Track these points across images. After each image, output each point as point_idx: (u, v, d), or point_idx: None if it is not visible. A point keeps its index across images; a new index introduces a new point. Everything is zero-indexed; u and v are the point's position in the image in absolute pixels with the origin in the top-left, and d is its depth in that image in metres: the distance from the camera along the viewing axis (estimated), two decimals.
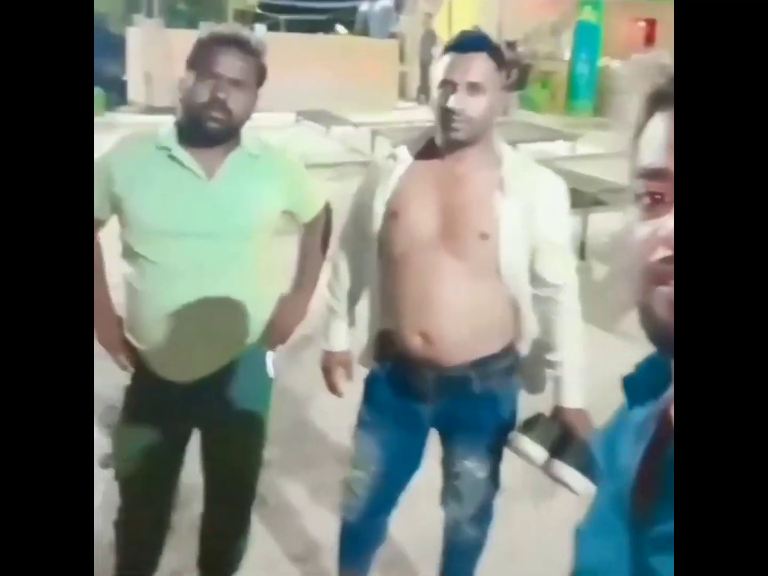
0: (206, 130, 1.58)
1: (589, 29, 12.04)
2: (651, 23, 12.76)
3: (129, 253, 1.67)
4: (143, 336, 1.70)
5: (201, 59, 1.59)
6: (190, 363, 1.69)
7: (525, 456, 1.67)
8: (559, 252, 1.68)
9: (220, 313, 1.67)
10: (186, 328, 1.64)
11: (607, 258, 4.48)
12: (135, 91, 11.04)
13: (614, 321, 3.97)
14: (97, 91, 10.16)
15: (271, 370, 1.83)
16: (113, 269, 1.75)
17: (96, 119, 9.38)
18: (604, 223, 5.67)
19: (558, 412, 1.70)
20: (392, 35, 13.34)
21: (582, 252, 5.03)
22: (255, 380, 1.80)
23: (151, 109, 9.78)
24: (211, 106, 1.56)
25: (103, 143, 1.66)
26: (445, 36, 12.82)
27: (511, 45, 12.08)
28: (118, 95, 10.98)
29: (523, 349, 1.76)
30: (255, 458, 1.87)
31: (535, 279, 1.68)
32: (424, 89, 13.08)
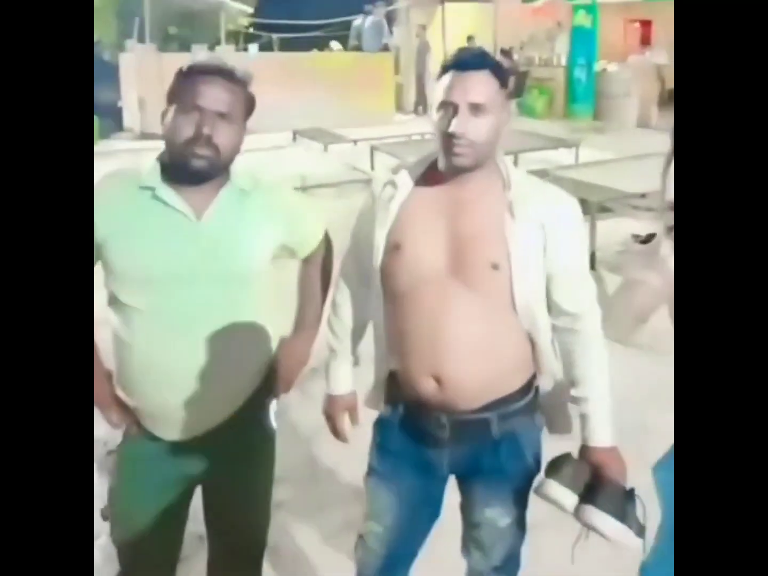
0: (192, 168, 1.47)
1: (584, 33, 11.99)
2: (646, 24, 12.72)
3: (115, 303, 1.55)
4: (134, 392, 1.58)
5: (183, 91, 1.47)
6: (186, 420, 1.57)
7: (553, 502, 1.54)
8: (577, 278, 1.57)
9: (216, 364, 1.55)
10: (180, 382, 1.52)
11: (619, 268, 4.35)
12: (130, 117, 11.01)
13: (628, 333, 3.84)
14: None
15: (273, 421, 1.70)
16: (99, 319, 1.63)
17: None
18: (613, 231, 5.56)
19: (586, 451, 1.57)
20: (385, 48, 13.28)
21: (592, 262, 4.91)
22: (257, 433, 1.68)
23: (146, 136, 9.73)
24: (195, 142, 1.44)
25: (98, 172, 1.58)
26: (439, 47, 12.80)
27: (507, 53, 12.05)
28: (114, 122, 10.95)
29: (545, 385, 1.63)
30: (262, 513, 1.76)
31: (553, 308, 1.56)
32: (420, 101, 13.03)
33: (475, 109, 1.45)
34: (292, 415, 2.97)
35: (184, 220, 1.50)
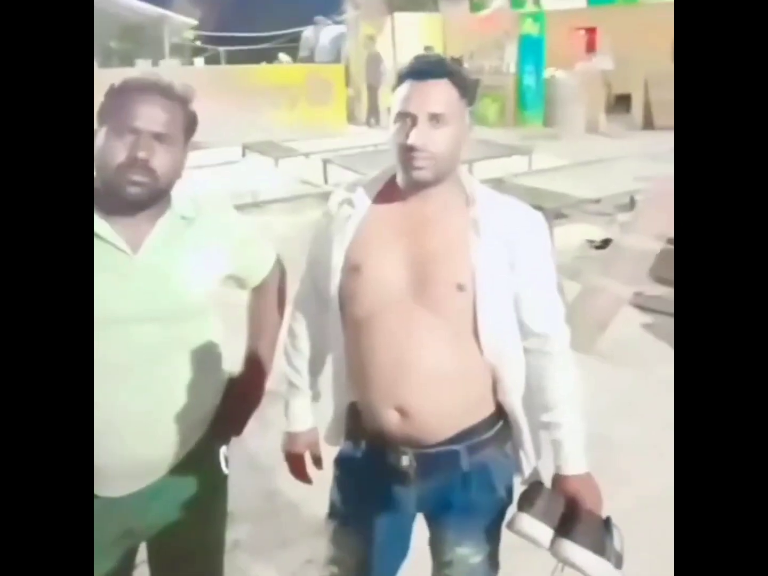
0: (127, 196, 1.33)
1: (532, 41, 12.17)
2: (591, 31, 12.93)
3: None
4: None
5: (115, 111, 1.34)
6: (127, 474, 1.42)
7: (527, 537, 1.45)
8: (545, 296, 1.49)
9: (159, 411, 1.41)
10: (119, 432, 1.38)
11: (578, 275, 4.33)
12: None
13: (589, 342, 3.81)
14: None
15: (224, 467, 1.57)
16: None
17: None
18: (569, 237, 5.57)
19: (560, 480, 1.49)
20: (336, 60, 13.26)
21: None
22: (207, 482, 1.54)
23: None
24: (130, 167, 1.31)
25: None
26: (389, 58, 12.81)
27: (457, 61, 12.10)
28: None
29: (513, 411, 1.54)
30: (214, 568, 1.62)
31: (522, 329, 1.48)
32: (373, 112, 13.00)
33: (435, 119, 1.37)
34: (248, 444, 2.84)
35: (118, 254, 1.36)
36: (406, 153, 1.37)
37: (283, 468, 2.73)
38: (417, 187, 1.42)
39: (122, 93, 1.35)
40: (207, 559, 1.61)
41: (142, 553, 1.60)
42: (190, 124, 1.42)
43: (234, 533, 1.70)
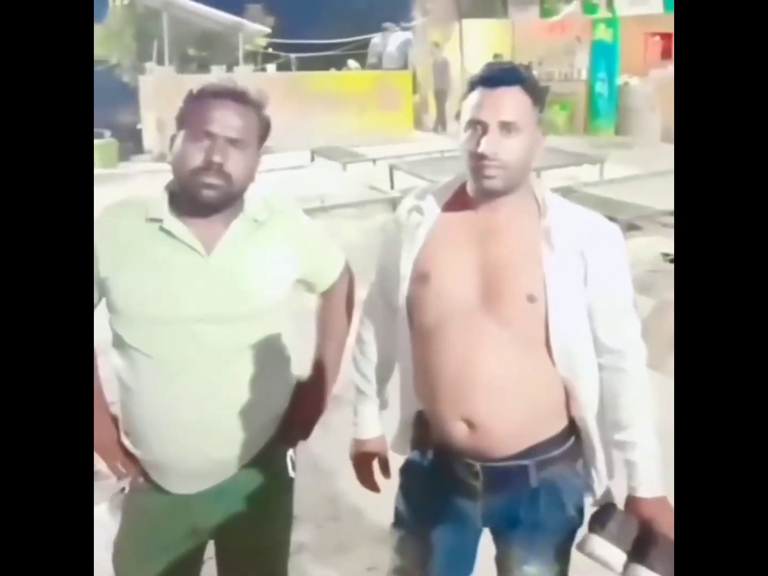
0: (202, 199, 1.36)
1: (605, 47, 11.92)
2: (667, 37, 12.56)
3: (119, 344, 1.43)
4: (140, 441, 1.46)
5: (192, 116, 1.37)
6: (196, 473, 1.45)
7: (598, 560, 1.39)
8: (620, 311, 1.44)
9: (228, 411, 1.43)
10: (190, 432, 1.40)
11: (651, 289, 4.19)
12: (149, 139, 11.06)
13: (663, 358, 3.67)
14: (111, 141, 10.20)
15: (291, 471, 1.57)
16: (101, 362, 1.52)
17: (108, 170, 9.43)
18: (642, 250, 5.40)
19: (634, 503, 1.43)
20: (404, 67, 13.30)
21: None
22: (273, 484, 1.55)
23: (164, 157, 9.77)
24: (205, 171, 1.33)
25: (116, 195, 1.52)
26: (457, 65, 12.76)
27: (527, 68, 11.96)
28: (134, 144, 11.02)
29: (586, 428, 1.49)
30: (279, 569, 1.63)
31: (596, 345, 1.43)
32: (440, 119, 12.95)
33: (506, 128, 1.34)
34: (312, 448, 2.85)
35: (193, 255, 1.39)
36: (477, 161, 1.35)
37: (347, 473, 2.73)
38: (487, 195, 1.39)
39: (199, 98, 1.38)
40: (272, 560, 1.62)
41: (210, 550, 1.62)
42: (264, 130, 1.43)
43: (296, 536, 1.70)
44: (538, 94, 1.39)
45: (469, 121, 1.37)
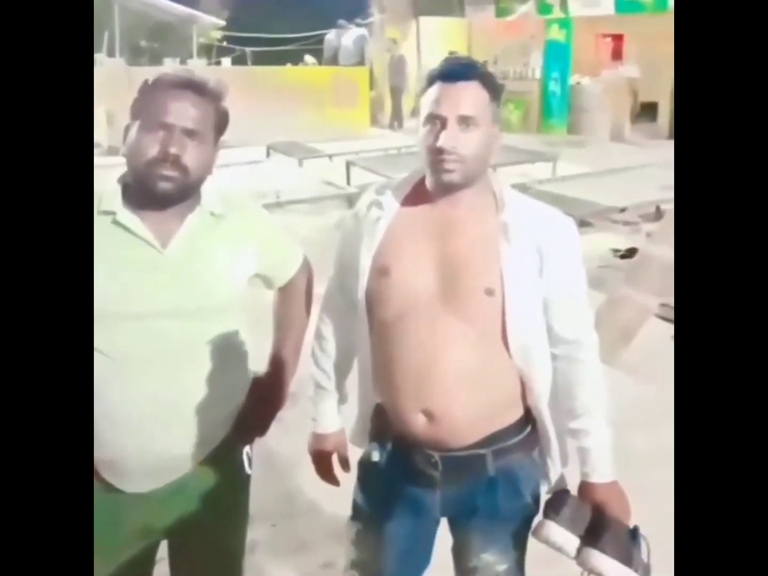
0: (157, 191, 1.33)
1: (558, 48, 12.10)
2: (618, 39, 12.83)
3: None
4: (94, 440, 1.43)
5: (148, 106, 1.34)
6: (150, 471, 1.42)
7: (553, 545, 1.43)
8: (575, 303, 1.47)
9: (183, 407, 1.41)
10: (142, 430, 1.37)
11: (602, 284, 4.28)
12: (99, 132, 10.80)
13: (614, 353, 3.75)
14: None
15: (248, 468, 1.56)
16: None
17: None
18: (593, 246, 5.51)
19: (587, 488, 1.47)
20: (360, 62, 13.28)
21: None
22: (229, 482, 1.53)
23: (114, 151, 9.56)
24: (161, 162, 1.31)
25: None
26: (414, 62, 12.79)
27: (482, 66, 12.08)
28: None
29: (541, 417, 1.52)
30: (235, 568, 1.61)
31: (551, 336, 1.46)
32: (396, 116, 12.98)
33: (465, 122, 1.35)
34: (267, 444, 2.83)
35: (147, 249, 1.36)
36: (436, 155, 1.36)
37: (302, 469, 2.73)
38: (446, 190, 1.40)
39: (156, 89, 1.35)
40: (227, 559, 1.60)
41: (162, 550, 1.60)
42: (222, 122, 1.41)
43: (251, 534, 1.68)
44: (495, 90, 1.41)
45: (428, 116, 1.38)
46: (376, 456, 1.53)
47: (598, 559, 1.37)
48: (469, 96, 1.36)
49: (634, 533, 1.42)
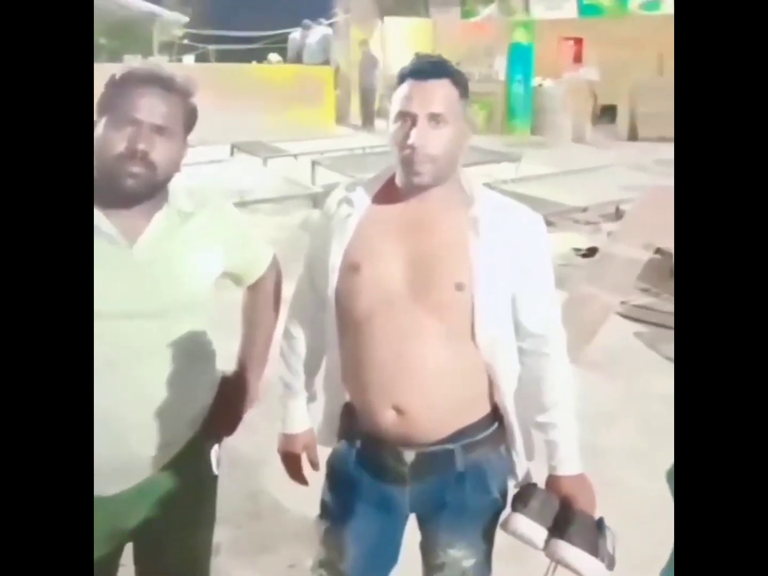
0: (124, 188, 1.31)
1: (522, 50, 12.22)
2: (578, 42, 13.02)
3: None
4: None
5: (115, 102, 1.32)
6: (117, 472, 1.40)
7: (521, 538, 1.45)
8: (543, 297, 1.50)
9: (150, 408, 1.39)
10: (108, 429, 1.35)
11: (564, 283, 4.34)
12: None
13: (576, 350, 3.81)
14: None
15: (215, 468, 1.55)
16: None
17: None
18: (555, 245, 5.58)
19: (554, 481, 1.50)
20: (325, 62, 13.24)
21: None
22: (196, 482, 1.52)
23: None
24: (128, 158, 1.29)
25: None
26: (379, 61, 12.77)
27: None
28: None
29: (507, 412, 1.54)
30: (201, 569, 1.59)
31: (520, 330, 1.49)
32: (368, 117, 12.91)
33: (435, 119, 1.36)
34: (231, 445, 2.80)
35: (114, 247, 1.34)
36: (406, 153, 1.37)
37: (266, 469, 2.71)
38: (416, 187, 1.41)
39: (123, 84, 1.33)
40: (194, 561, 1.58)
41: (127, 554, 1.57)
42: (191, 118, 1.40)
43: (216, 535, 1.66)
44: (465, 88, 1.42)
45: (398, 113, 1.39)
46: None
47: (566, 549, 1.39)
48: (440, 93, 1.37)
49: (600, 524, 1.45)
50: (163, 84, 1.34)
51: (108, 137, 1.30)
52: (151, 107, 1.31)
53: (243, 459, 2.80)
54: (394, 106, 1.40)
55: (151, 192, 1.35)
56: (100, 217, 1.33)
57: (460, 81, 1.41)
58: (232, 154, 9.45)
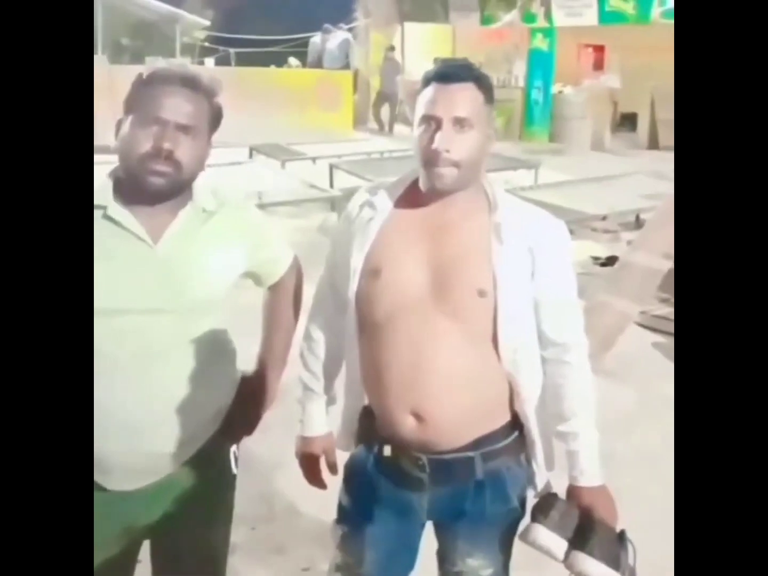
0: (149, 186, 1.32)
1: (541, 56, 12.21)
2: (599, 49, 12.98)
3: None
4: None
5: (142, 101, 1.33)
6: (134, 469, 1.40)
7: (541, 548, 1.43)
8: (565, 306, 1.48)
9: (170, 406, 1.39)
10: (128, 427, 1.35)
11: (583, 292, 4.32)
12: None
13: (595, 360, 3.78)
14: None
15: (234, 467, 1.54)
16: None
17: None
18: (574, 254, 5.55)
19: (575, 492, 1.47)
20: (345, 66, 13.28)
21: None
22: (215, 481, 1.51)
23: (96, 149, 9.43)
24: (154, 157, 1.30)
25: None
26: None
27: None
28: None
29: (528, 421, 1.52)
30: (217, 567, 1.59)
31: (541, 338, 1.47)
32: (390, 122, 12.87)
33: (460, 123, 1.35)
34: (248, 446, 2.80)
35: (138, 244, 1.34)
36: (430, 156, 1.36)
37: (282, 471, 2.71)
38: (439, 191, 1.40)
39: (149, 83, 1.34)
40: (210, 560, 1.58)
41: (145, 550, 1.57)
42: (216, 117, 1.41)
43: (231, 537, 1.66)
44: (490, 92, 1.41)
45: (422, 117, 1.38)
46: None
47: (586, 562, 1.37)
48: (465, 97, 1.36)
49: (621, 537, 1.42)
50: (189, 84, 1.34)
51: (134, 136, 1.31)
52: (176, 106, 1.32)
53: (257, 461, 2.79)
54: (419, 110, 1.39)
55: (176, 190, 1.35)
56: (124, 215, 1.34)
57: (485, 85, 1.40)
58: (250, 156, 9.49)
